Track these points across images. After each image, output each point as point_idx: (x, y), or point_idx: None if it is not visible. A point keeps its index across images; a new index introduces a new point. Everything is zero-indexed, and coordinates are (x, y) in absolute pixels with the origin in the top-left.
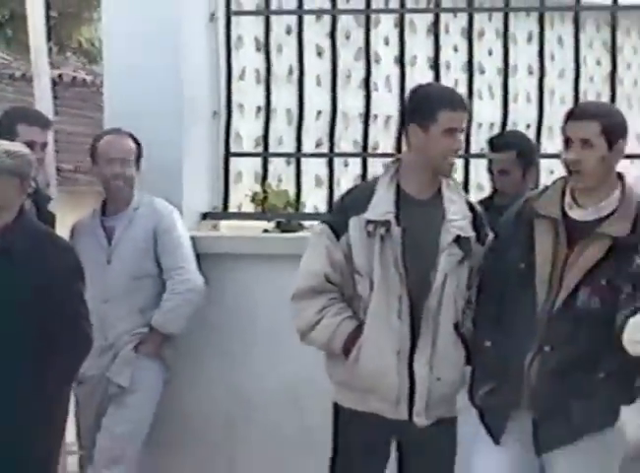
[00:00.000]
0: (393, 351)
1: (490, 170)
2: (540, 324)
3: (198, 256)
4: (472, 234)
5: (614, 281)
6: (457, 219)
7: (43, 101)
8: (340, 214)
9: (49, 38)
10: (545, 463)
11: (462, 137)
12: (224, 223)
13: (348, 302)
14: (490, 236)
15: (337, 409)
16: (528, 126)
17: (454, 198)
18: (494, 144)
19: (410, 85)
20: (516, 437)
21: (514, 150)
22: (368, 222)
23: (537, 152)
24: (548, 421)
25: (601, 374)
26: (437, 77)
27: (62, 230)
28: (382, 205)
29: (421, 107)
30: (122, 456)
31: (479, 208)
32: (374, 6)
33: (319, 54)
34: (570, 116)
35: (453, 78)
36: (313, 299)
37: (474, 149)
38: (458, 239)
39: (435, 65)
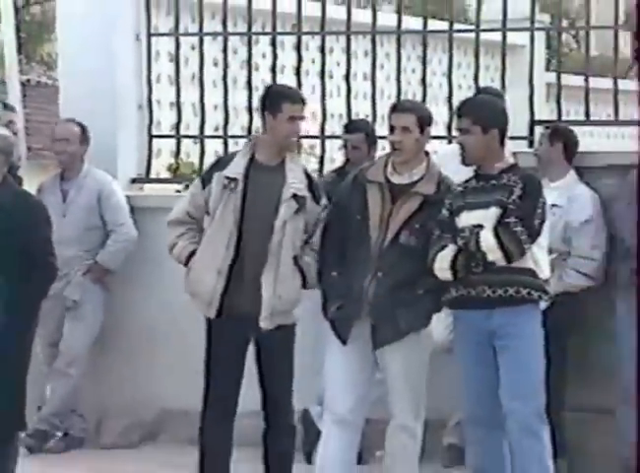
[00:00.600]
0: (214, 270)
1: (345, 147)
2: (374, 257)
3: (131, 208)
4: (306, 194)
5: (426, 225)
6: (295, 182)
7: (13, 97)
8: (210, 171)
9: (20, 52)
10: (379, 356)
11: (302, 124)
12: (147, 186)
13: (201, 232)
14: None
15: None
16: (367, 116)
17: (294, 167)
18: (349, 128)
19: None
20: (358, 338)
21: (363, 132)
22: (225, 177)
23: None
24: (381, 326)
25: (419, 292)
26: (299, 81)
27: (30, 189)
28: (236, 167)
29: (271, 101)
30: (78, 357)
31: (314, 176)
32: (254, 29)
33: (215, 64)
34: (394, 110)
35: (311, 83)
36: (177, 226)
37: (328, 132)
38: (295, 196)
39: (297, 72)
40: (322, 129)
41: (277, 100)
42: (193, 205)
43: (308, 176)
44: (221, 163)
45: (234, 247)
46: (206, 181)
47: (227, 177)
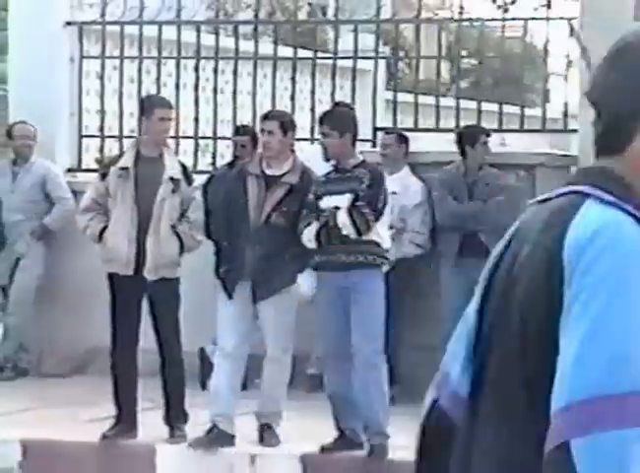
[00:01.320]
0: (125, 238)
1: (235, 146)
2: (252, 233)
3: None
4: (181, 177)
5: (291, 208)
6: (171, 169)
7: None
8: (108, 166)
9: None
10: (257, 307)
11: (170, 124)
12: (79, 174)
13: (106, 214)
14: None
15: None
16: (248, 122)
17: (170, 158)
18: (238, 131)
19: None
20: (241, 294)
21: (249, 135)
22: (119, 168)
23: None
24: (260, 284)
25: (287, 258)
26: (197, 96)
27: None
28: (126, 160)
29: (146, 107)
30: (24, 300)
31: (185, 164)
32: (164, 54)
33: (132, 81)
34: (263, 118)
35: (206, 96)
36: (86, 213)
37: (219, 134)
38: (171, 179)
39: (196, 88)
40: (214, 132)
41: (150, 106)
42: (97, 194)
43: (182, 165)
44: (116, 157)
45: (137, 220)
46: (105, 174)
47: (121, 168)
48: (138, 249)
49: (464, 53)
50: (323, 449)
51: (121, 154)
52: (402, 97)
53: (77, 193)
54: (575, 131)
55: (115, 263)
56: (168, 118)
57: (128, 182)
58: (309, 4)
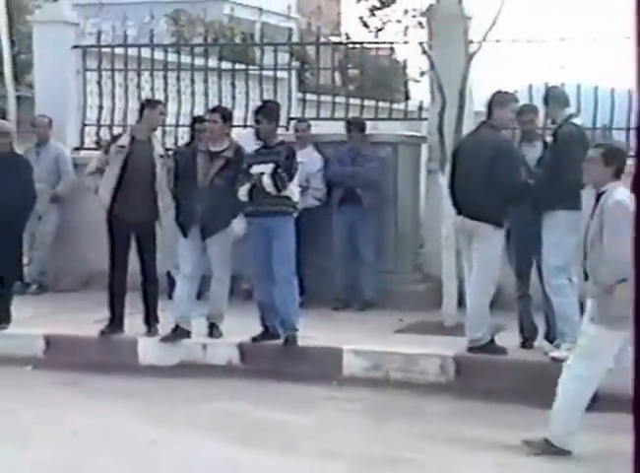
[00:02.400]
0: (108, 192)
1: (192, 130)
2: (201, 191)
3: (75, 164)
4: (164, 154)
5: (228, 174)
6: (158, 149)
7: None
8: (109, 144)
9: (15, 78)
10: (206, 244)
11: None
12: (82, 152)
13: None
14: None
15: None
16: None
17: (155, 141)
18: (196, 120)
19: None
20: (194, 233)
21: (219, 113)
22: (118, 145)
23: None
24: (206, 227)
25: (225, 207)
26: (152, 96)
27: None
28: (124, 140)
29: (150, 104)
30: (46, 240)
31: (165, 146)
32: (142, 67)
33: (120, 86)
34: (210, 111)
35: (161, 95)
36: (91, 175)
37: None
38: (160, 156)
39: (152, 89)
40: (177, 121)
41: (153, 104)
42: (100, 163)
43: (164, 146)
44: (114, 139)
45: (118, 180)
46: (107, 150)
47: (120, 145)
48: (114, 200)
49: (350, 66)
50: (253, 340)
51: (119, 135)
52: (308, 96)
53: (78, 165)
54: (425, 119)
55: (122, 210)
56: (162, 113)
57: (120, 155)
58: (242, 32)
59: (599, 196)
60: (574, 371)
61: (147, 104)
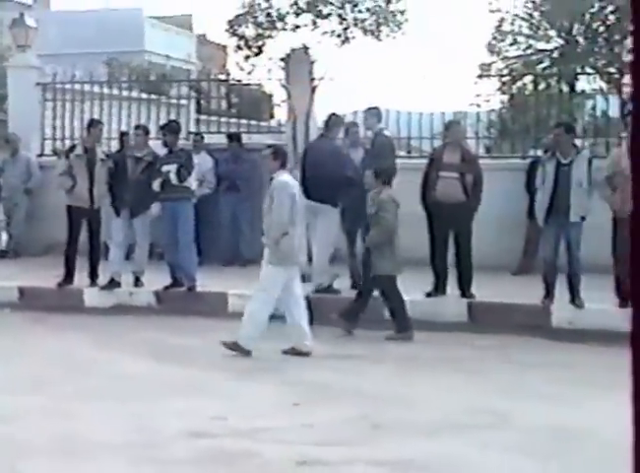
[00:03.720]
0: (86, 189)
1: (122, 141)
2: (130, 184)
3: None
4: (104, 157)
5: (150, 172)
6: (101, 154)
7: None
8: (68, 152)
9: None
10: (132, 222)
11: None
12: (43, 158)
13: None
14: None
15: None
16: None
17: (99, 148)
18: (123, 134)
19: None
20: (125, 213)
21: (141, 129)
22: (75, 155)
23: None
24: (133, 209)
25: (147, 194)
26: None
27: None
28: (78, 149)
29: (94, 123)
30: (18, 223)
31: (104, 152)
32: (86, 98)
33: (70, 112)
34: (135, 128)
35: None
36: (61, 176)
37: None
38: (102, 159)
39: (91, 113)
40: (110, 135)
41: (96, 123)
42: (65, 167)
43: (102, 152)
44: (70, 149)
45: (88, 181)
46: (67, 156)
47: (77, 155)
48: (90, 195)
49: (232, 96)
50: (165, 288)
51: (74, 146)
52: (203, 117)
53: (42, 167)
54: (283, 132)
55: (80, 200)
56: (101, 129)
57: (82, 161)
58: (156, 73)
59: (270, 180)
60: (256, 295)
61: (92, 124)
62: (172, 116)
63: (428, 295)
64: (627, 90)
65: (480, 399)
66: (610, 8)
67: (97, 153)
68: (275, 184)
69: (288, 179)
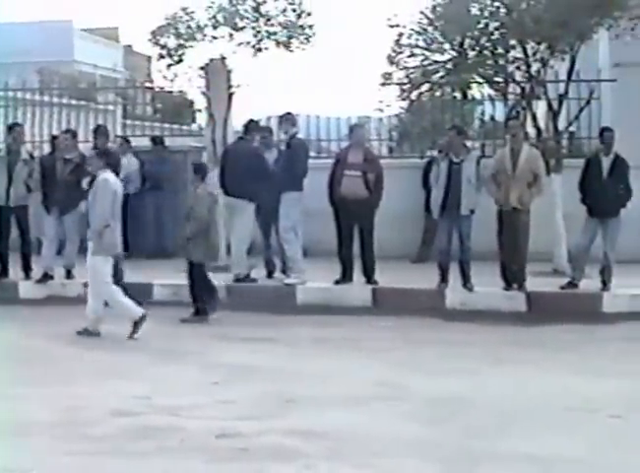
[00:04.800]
0: (3, 187)
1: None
2: (59, 183)
3: None
4: (29, 158)
5: (76, 172)
6: (25, 154)
7: None
8: None
9: None
10: (63, 219)
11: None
12: None
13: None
14: None
15: None
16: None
17: (24, 149)
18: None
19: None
20: (54, 212)
21: (70, 133)
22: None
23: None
24: (63, 207)
25: (75, 194)
26: (24, 121)
27: None
28: (2, 150)
29: (13, 127)
30: None
31: (31, 154)
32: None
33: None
34: (64, 132)
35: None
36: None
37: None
38: (25, 160)
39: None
40: (41, 139)
41: (19, 127)
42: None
43: (28, 152)
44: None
45: (6, 179)
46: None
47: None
48: (7, 194)
49: (157, 102)
50: None
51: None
52: (129, 122)
53: None
54: (203, 136)
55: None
56: (23, 133)
57: (2, 162)
58: (86, 81)
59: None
60: (92, 282)
61: (12, 127)
62: (100, 121)
63: (337, 282)
64: (511, 97)
65: (382, 374)
66: (495, 24)
67: (22, 154)
68: (98, 182)
69: (109, 177)
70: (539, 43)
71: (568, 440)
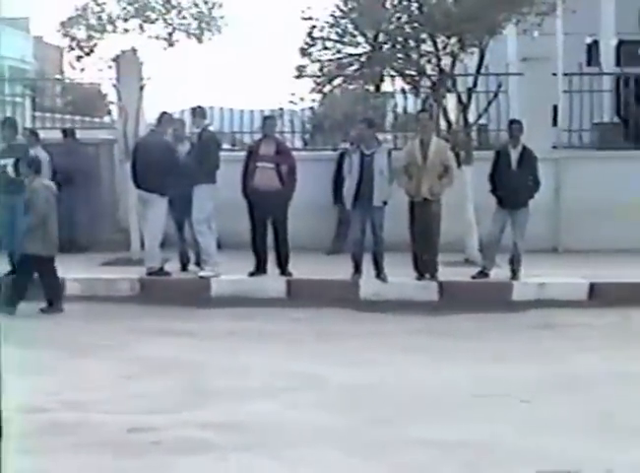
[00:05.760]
0: None
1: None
2: None
3: None
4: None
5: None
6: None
7: None
8: None
9: None
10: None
11: None
12: None
13: None
14: None
15: None
16: None
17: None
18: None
19: None
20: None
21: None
22: None
23: None
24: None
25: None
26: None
27: None
28: None
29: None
30: None
31: None
32: None
33: None
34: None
35: None
36: None
37: None
38: None
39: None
40: None
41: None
42: None
43: None
44: None
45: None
46: None
47: None
48: None
49: (67, 94)
50: (6, 274)
51: None
52: (38, 114)
53: None
54: (116, 128)
55: None
56: None
57: None
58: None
59: None
60: None
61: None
62: (8, 114)
63: (251, 274)
64: (423, 90)
65: (296, 365)
66: (405, 19)
67: None
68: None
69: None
70: (449, 37)
71: (475, 426)
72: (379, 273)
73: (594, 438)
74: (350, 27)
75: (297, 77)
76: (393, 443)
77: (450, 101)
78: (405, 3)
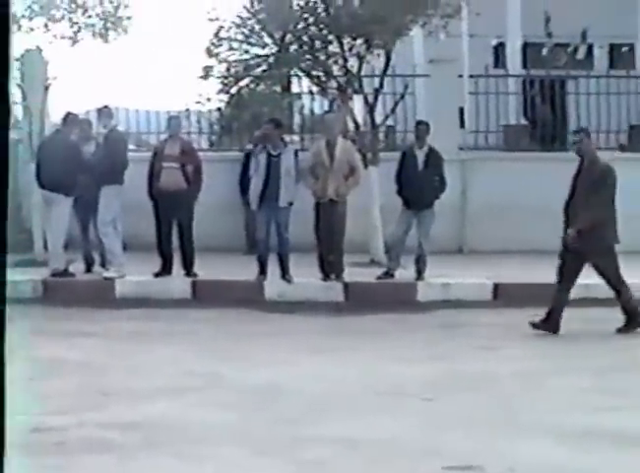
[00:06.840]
0: None
1: None
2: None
3: None
4: None
5: None
6: None
7: None
8: None
9: None
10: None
11: None
12: None
13: None
14: None
15: None
16: None
17: None
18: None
19: None
20: None
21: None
22: None
23: None
24: None
25: None
26: None
27: None
28: None
29: None
30: None
31: None
32: None
33: None
34: None
35: None
36: None
37: None
38: None
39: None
40: None
41: None
42: None
43: None
44: None
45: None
46: None
47: None
48: None
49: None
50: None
51: None
52: None
53: None
54: (21, 128)
55: None
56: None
57: None
58: None
59: None
60: None
61: None
62: None
63: (156, 275)
64: (331, 91)
65: (199, 365)
66: (312, 20)
67: None
68: None
69: None
70: (355, 39)
71: (379, 423)
72: (285, 274)
73: (497, 434)
74: (257, 27)
75: (204, 77)
76: (299, 441)
77: (357, 103)
78: (311, 4)
